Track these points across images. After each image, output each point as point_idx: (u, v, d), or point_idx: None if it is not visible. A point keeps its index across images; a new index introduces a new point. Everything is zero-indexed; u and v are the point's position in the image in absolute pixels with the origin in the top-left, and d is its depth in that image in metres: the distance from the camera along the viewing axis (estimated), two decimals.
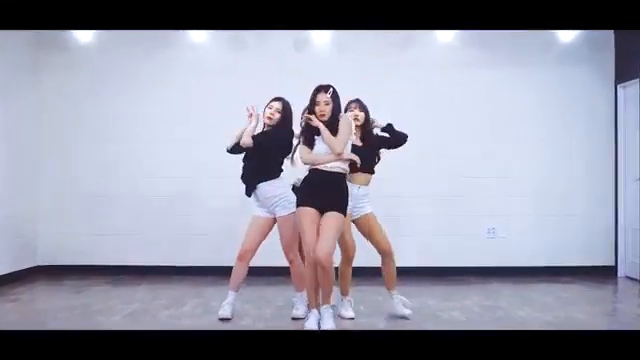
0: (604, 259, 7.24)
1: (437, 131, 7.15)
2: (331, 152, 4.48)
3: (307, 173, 4.64)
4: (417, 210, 7.10)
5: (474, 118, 7.24)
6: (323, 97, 4.56)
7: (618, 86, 7.17)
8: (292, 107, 4.95)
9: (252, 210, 4.96)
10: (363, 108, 5.04)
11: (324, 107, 4.53)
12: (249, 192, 4.90)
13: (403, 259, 6.52)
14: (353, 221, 4.97)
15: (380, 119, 6.91)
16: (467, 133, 7.23)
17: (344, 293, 5.07)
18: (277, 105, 4.92)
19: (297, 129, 4.81)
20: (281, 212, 4.85)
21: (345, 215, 4.59)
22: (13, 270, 6.71)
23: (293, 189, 4.93)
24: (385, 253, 4.99)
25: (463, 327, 4.48)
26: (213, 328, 4.71)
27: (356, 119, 4.90)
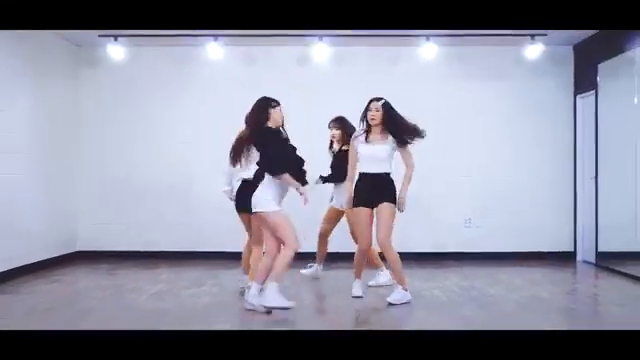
0: (565, 246, 7.27)
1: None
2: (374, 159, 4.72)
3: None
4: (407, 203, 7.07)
5: (454, 125, 7.22)
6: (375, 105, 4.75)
7: (577, 96, 7.18)
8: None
9: (275, 204, 4.31)
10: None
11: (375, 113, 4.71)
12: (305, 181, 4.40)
13: (393, 245, 6.62)
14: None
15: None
16: (448, 137, 7.18)
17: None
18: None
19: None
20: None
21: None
22: (57, 255, 6.78)
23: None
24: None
25: (461, 327, 3.95)
26: (230, 307, 4.72)
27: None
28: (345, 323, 4.30)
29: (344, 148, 5.42)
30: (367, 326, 4.18)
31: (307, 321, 4.31)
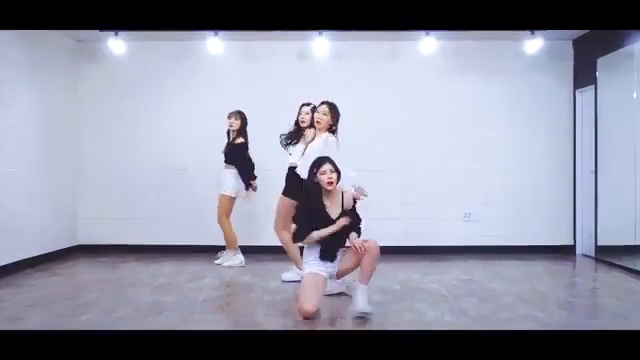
0: (564, 239, 7.23)
1: (421, 130, 7.12)
2: None
3: None
4: (406, 198, 7.10)
5: (452, 119, 7.20)
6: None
7: (576, 91, 7.15)
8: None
9: None
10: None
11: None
12: None
13: (393, 239, 6.60)
14: None
15: (371, 119, 6.98)
16: (446, 131, 7.19)
17: None
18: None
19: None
20: None
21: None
22: (58, 248, 6.75)
23: None
24: None
25: (459, 326, 3.79)
26: (229, 300, 4.68)
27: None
28: (344, 316, 4.21)
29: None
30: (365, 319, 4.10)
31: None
